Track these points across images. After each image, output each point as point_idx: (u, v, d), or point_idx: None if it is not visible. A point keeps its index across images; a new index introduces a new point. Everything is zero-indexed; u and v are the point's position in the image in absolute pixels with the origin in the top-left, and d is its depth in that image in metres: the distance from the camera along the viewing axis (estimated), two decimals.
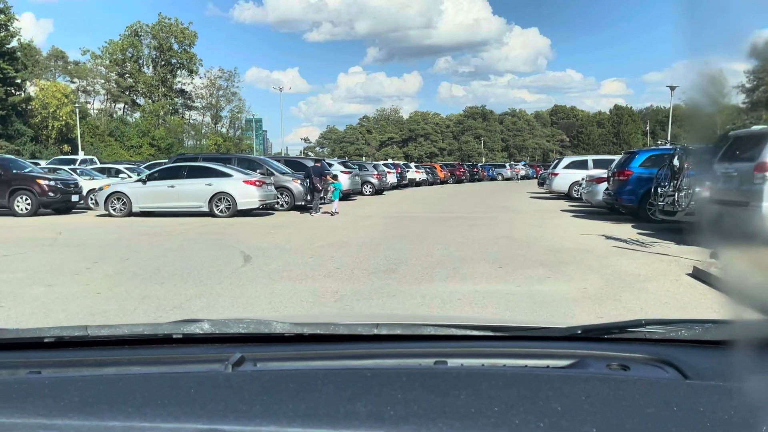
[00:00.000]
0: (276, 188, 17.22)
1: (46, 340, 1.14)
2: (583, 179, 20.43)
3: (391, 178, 31.16)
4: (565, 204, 19.96)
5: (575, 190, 22.03)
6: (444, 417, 0.70)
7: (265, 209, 16.65)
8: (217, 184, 15.12)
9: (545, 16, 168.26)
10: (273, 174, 17.54)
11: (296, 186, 17.44)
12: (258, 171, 17.34)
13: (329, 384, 0.82)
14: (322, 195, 16.93)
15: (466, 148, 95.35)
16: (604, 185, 14.77)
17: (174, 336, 1.15)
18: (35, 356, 1.11)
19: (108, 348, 1.15)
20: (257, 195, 15.09)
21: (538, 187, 30.08)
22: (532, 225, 12.46)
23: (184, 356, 1.12)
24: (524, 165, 63.30)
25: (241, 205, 15.02)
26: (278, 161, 20.07)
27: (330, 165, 22.76)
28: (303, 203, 17.43)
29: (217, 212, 15.00)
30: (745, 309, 0.79)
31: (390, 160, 44.76)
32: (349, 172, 22.74)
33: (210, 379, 0.87)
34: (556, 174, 22.40)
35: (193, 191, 15.15)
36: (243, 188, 15.06)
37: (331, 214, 15.77)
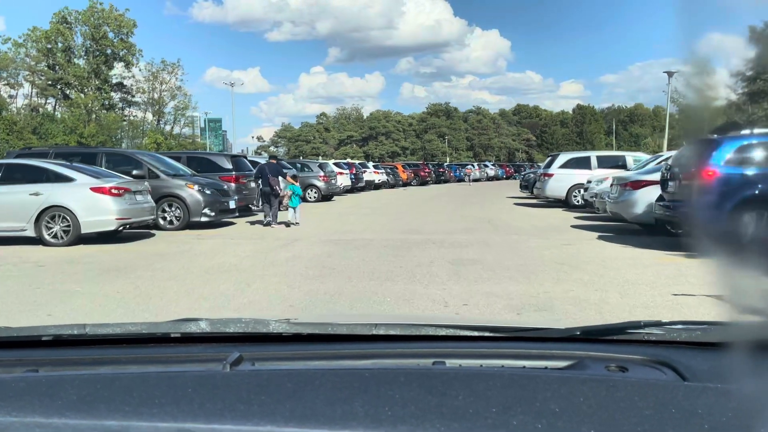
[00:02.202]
0: (162, 197, 11.72)
1: (43, 339, 1.13)
2: (589, 182, 15.60)
3: (344, 180, 25.84)
4: (568, 215, 15.03)
5: (575, 196, 17.19)
6: (441, 418, 0.70)
7: (142, 229, 11.12)
8: (50, 194, 9.51)
9: (506, 18, 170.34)
10: (158, 176, 11.99)
11: (192, 194, 11.92)
12: (134, 172, 11.80)
13: (327, 384, 0.81)
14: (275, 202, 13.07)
15: (429, 147, 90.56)
16: (648, 192, 9.81)
17: (172, 335, 1.15)
18: (32, 354, 1.10)
19: (106, 347, 1.14)
20: (114, 209, 9.53)
21: (520, 190, 25.23)
22: (558, 263, 7.34)
23: (182, 355, 1.10)
24: (493, 165, 58.68)
25: (87, 227, 9.45)
26: (178, 159, 14.51)
27: (255, 164, 17.36)
28: (204, 218, 11.94)
29: (48, 238, 9.40)
30: (742, 311, 0.78)
31: (348, 160, 39.31)
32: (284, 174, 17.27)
33: (208, 379, 0.86)
34: (550, 175, 17.47)
35: (9, 205, 9.49)
36: (90, 199, 9.50)
37: (287, 225, 12.60)
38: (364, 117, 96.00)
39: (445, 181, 45.12)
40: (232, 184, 14.17)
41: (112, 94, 70.03)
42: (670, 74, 29.64)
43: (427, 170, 42.86)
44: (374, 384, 0.80)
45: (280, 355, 1.10)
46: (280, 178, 13.87)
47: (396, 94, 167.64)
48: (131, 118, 73.87)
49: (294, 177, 14.37)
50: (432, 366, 1.00)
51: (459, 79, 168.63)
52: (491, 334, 1.13)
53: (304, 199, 21.26)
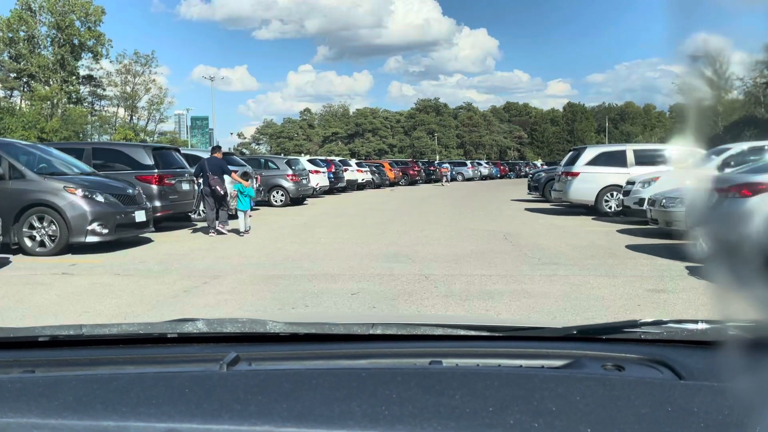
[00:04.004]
0: (28, 207, 7.91)
1: (40, 339, 1.12)
2: (630, 183, 11.96)
3: (320, 180, 22.04)
4: (607, 227, 11.32)
5: (607, 201, 13.54)
6: (439, 417, 0.70)
7: None
8: None
9: (494, 17, 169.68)
10: (23, 176, 8.12)
11: (73, 202, 8.05)
12: None
13: (324, 384, 0.80)
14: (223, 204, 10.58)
15: (418, 145, 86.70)
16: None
17: (169, 335, 1.13)
18: (29, 355, 1.09)
19: (102, 347, 1.13)
20: None
21: (528, 192, 21.57)
22: None
23: (179, 355, 1.09)
24: (487, 163, 54.97)
25: None
26: (80, 152, 10.64)
27: (197, 159, 13.58)
28: (92, 238, 8.09)
29: None
30: (737, 310, 0.76)
31: (327, 157, 35.37)
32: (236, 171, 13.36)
33: (205, 379, 0.85)
34: (574, 174, 13.78)
35: None
36: None
37: (239, 234, 10.32)
38: (351, 113, 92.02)
39: (436, 181, 41.37)
40: (153, 186, 10.35)
41: (81, 87, 65.74)
42: (695, 58, 26.15)
43: (416, 168, 39.08)
44: (371, 383, 0.80)
45: (277, 355, 1.08)
46: (226, 176, 10.58)
47: (384, 93, 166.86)
48: (102, 112, 69.65)
49: (245, 174, 11.11)
50: (429, 365, 0.99)
51: (447, 78, 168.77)
52: (488, 334, 1.11)
53: (267, 204, 17.52)
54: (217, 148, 11.56)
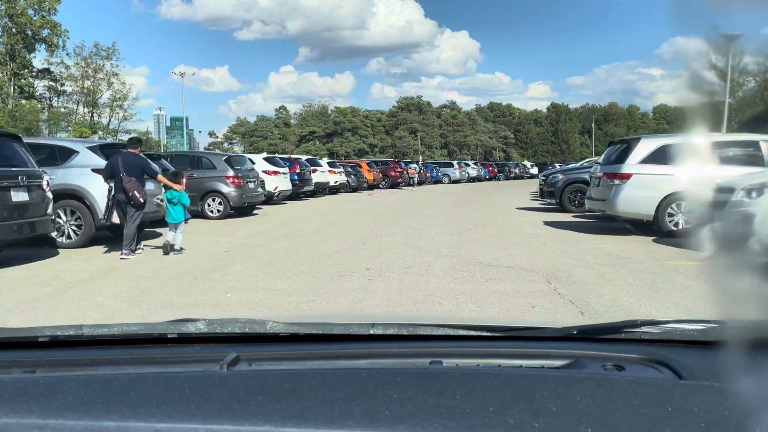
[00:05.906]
0: None
1: (40, 340, 1.12)
2: (726, 190, 7.82)
3: (280, 183, 17.74)
4: (695, 258, 7.23)
5: (671, 216, 9.45)
6: (439, 417, 0.69)
7: None
8: None
9: (476, 19, 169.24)
10: None
11: None
12: None
13: (324, 384, 0.80)
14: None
15: (400, 145, 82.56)
16: None
17: (169, 335, 1.13)
18: (29, 355, 1.09)
19: (103, 347, 1.13)
20: None
21: (540, 198, 17.49)
22: None
23: (179, 356, 1.09)
24: (476, 164, 50.87)
25: None
26: None
27: (67, 152, 9.28)
28: None
29: None
30: (738, 310, 0.74)
31: (291, 156, 30.93)
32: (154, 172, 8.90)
33: (205, 379, 0.85)
34: (624, 176, 9.65)
35: None
36: None
37: (165, 253, 7.90)
38: (329, 111, 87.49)
39: (420, 183, 37.23)
40: None
41: (36, 81, 60.55)
42: (731, 39, 22.33)
43: (398, 169, 34.74)
44: (372, 384, 0.79)
45: (278, 355, 1.07)
46: (147, 178, 8.08)
47: (366, 94, 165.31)
48: (61, 109, 64.36)
49: (176, 176, 8.40)
50: (429, 365, 0.98)
51: (429, 80, 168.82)
52: (488, 334, 1.10)
53: (201, 215, 13.20)
54: (136, 141, 8.34)
